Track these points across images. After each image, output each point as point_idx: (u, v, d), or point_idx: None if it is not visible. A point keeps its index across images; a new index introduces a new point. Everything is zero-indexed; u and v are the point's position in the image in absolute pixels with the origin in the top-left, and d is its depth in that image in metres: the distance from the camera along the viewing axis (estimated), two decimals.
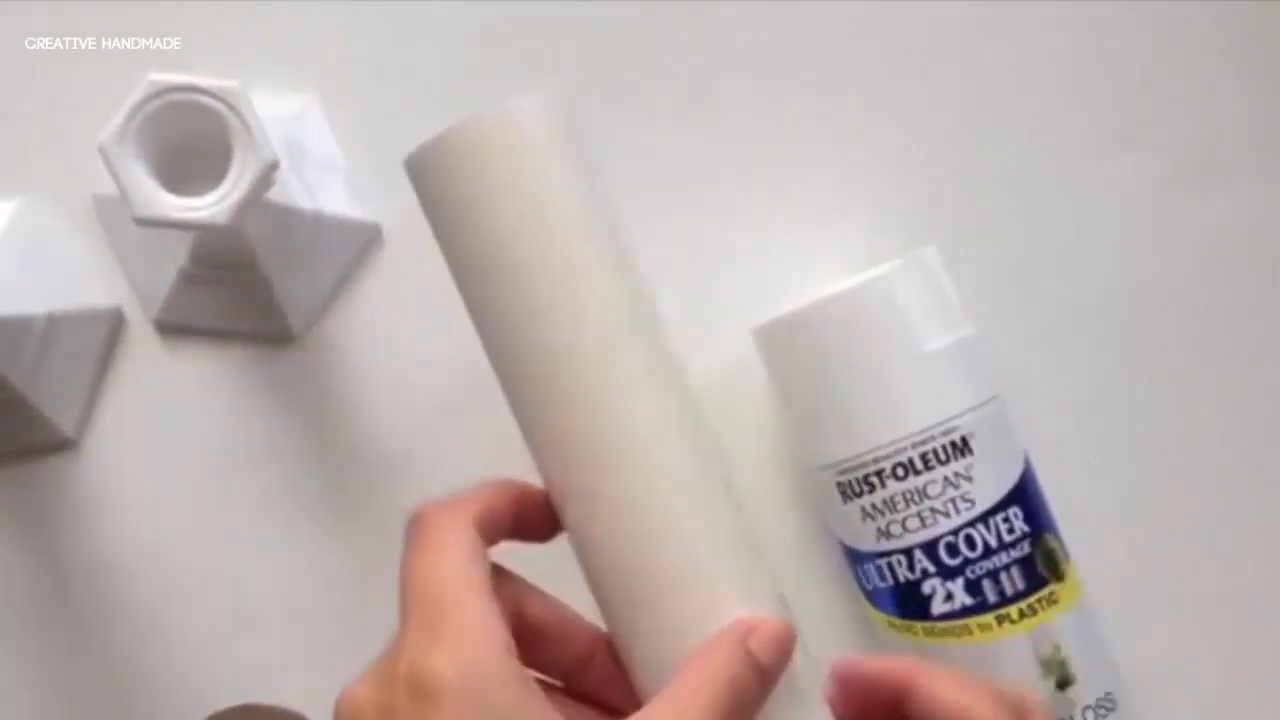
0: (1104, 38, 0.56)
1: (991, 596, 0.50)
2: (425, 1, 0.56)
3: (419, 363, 0.56)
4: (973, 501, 0.50)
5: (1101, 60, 0.57)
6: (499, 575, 0.41)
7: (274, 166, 0.46)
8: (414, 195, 0.56)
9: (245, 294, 0.55)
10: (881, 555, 0.51)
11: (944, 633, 0.50)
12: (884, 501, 0.50)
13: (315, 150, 0.55)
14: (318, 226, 0.54)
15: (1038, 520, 0.51)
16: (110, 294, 0.56)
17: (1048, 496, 0.52)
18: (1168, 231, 0.57)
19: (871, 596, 0.52)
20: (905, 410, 0.50)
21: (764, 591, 0.41)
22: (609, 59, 0.56)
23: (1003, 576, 0.50)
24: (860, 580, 0.53)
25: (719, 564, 0.40)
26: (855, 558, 0.52)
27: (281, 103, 0.55)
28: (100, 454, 0.56)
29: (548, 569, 0.43)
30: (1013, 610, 0.50)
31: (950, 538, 0.50)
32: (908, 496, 0.50)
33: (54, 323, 0.53)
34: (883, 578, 0.51)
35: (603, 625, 0.42)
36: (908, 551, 0.50)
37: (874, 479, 0.50)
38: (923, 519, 0.50)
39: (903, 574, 0.50)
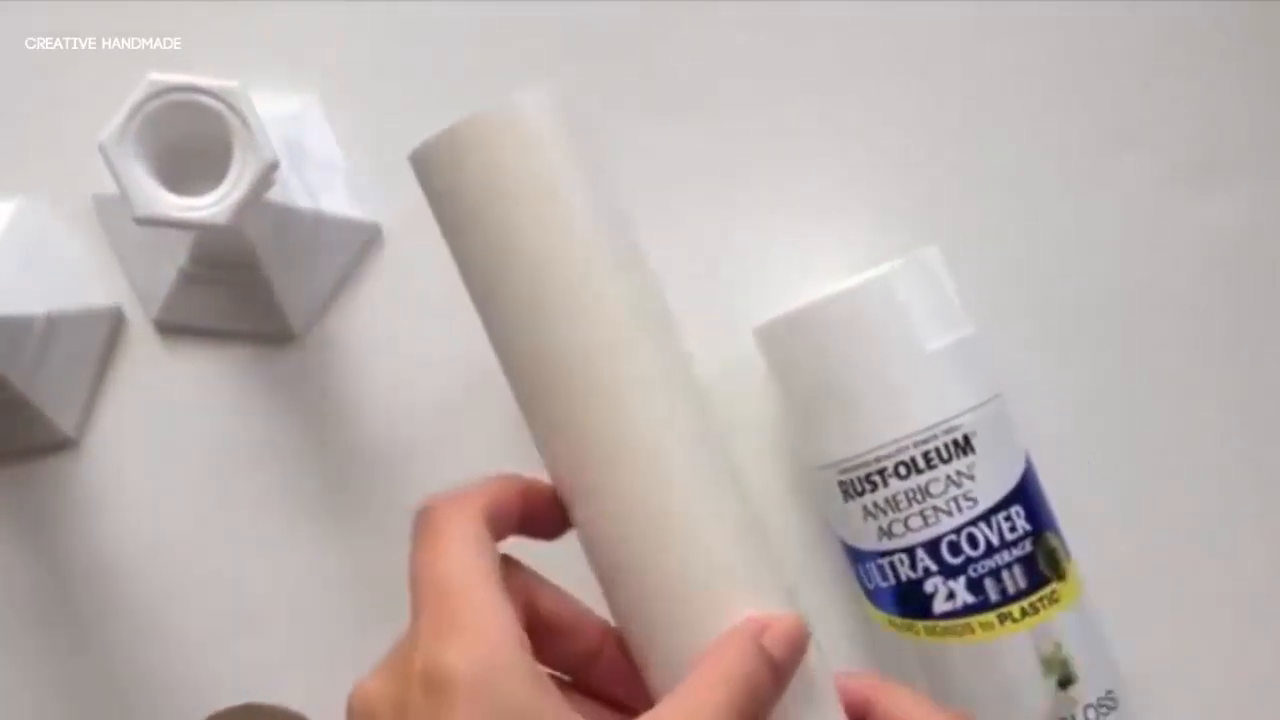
0: (1104, 38, 0.57)
1: (993, 595, 0.50)
2: (425, 1, 0.56)
3: (419, 363, 0.56)
4: (975, 500, 0.50)
5: (1101, 60, 0.57)
6: (509, 567, 0.41)
7: (274, 166, 0.46)
8: (414, 194, 0.56)
9: (245, 294, 0.55)
10: (883, 554, 0.51)
11: (945, 632, 0.50)
12: (886, 500, 0.50)
13: (315, 150, 0.55)
14: (318, 226, 0.54)
15: (1039, 519, 0.51)
16: (110, 294, 0.56)
17: (1048, 496, 0.52)
18: (1168, 231, 0.57)
19: (872, 596, 0.52)
20: (907, 409, 0.50)
21: (776, 587, 0.41)
22: (609, 59, 0.56)
23: (1004, 575, 0.50)
24: (861, 579, 0.53)
25: (731, 561, 0.40)
26: (856, 557, 0.52)
27: (281, 103, 0.55)
28: (100, 454, 0.56)
29: (552, 565, 0.43)
30: (1014, 609, 0.50)
31: (952, 536, 0.50)
32: (910, 495, 0.50)
33: (54, 323, 0.53)
34: (884, 577, 0.51)
35: (611, 621, 0.42)
36: (909, 550, 0.50)
37: (875, 478, 0.50)
38: (925, 518, 0.50)
39: (904, 573, 0.50)
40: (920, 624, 0.51)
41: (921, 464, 0.50)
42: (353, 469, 0.56)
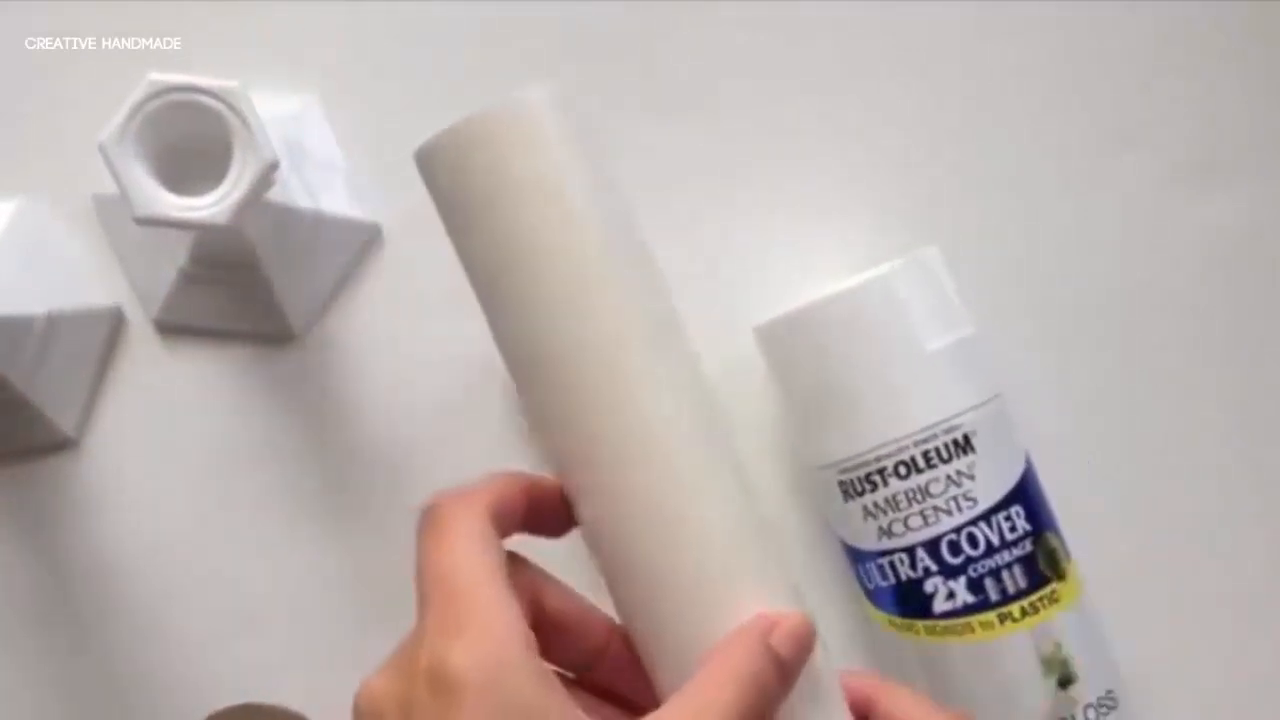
0: (1104, 38, 0.57)
1: (994, 595, 0.50)
2: (425, 1, 0.56)
3: (419, 363, 0.56)
4: (975, 500, 0.50)
5: (1101, 60, 0.57)
6: (515, 565, 0.40)
7: (274, 166, 0.46)
8: (414, 194, 0.56)
9: (245, 294, 0.55)
10: (883, 554, 0.51)
11: (945, 631, 0.50)
12: (886, 500, 0.50)
13: (315, 150, 0.55)
14: (318, 226, 0.54)
15: (1039, 519, 0.51)
16: (110, 294, 0.56)
17: (1048, 496, 0.52)
18: (1168, 231, 0.57)
19: (872, 595, 0.52)
20: (907, 409, 0.50)
21: (783, 585, 0.41)
22: (609, 59, 0.56)
23: (1005, 575, 0.50)
24: (861, 579, 0.53)
25: (739, 559, 0.40)
26: (856, 557, 0.52)
27: (281, 103, 0.55)
28: (100, 454, 0.56)
29: (558, 565, 0.43)
30: (1015, 608, 0.50)
31: (952, 536, 0.50)
32: (910, 495, 0.50)
33: (54, 323, 0.53)
34: (884, 576, 0.51)
35: (617, 618, 0.42)
36: (910, 550, 0.50)
37: (876, 477, 0.50)
38: (925, 517, 0.50)
39: (904, 572, 0.50)
40: (920, 624, 0.51)
41: (921, 464, 0.50)
42: (353, 469, 0.56)
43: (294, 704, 0.54)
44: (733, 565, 0.40)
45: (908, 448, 0.50)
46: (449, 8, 0.56)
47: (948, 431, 0.50)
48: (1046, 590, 0.50)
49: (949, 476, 0.50)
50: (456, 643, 0.36)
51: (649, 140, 0.56)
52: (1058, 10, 0.56)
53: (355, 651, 0.55)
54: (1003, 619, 0.50)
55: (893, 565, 0.51)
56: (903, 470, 0.50)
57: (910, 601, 0.51)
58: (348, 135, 0.56)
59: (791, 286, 0.53)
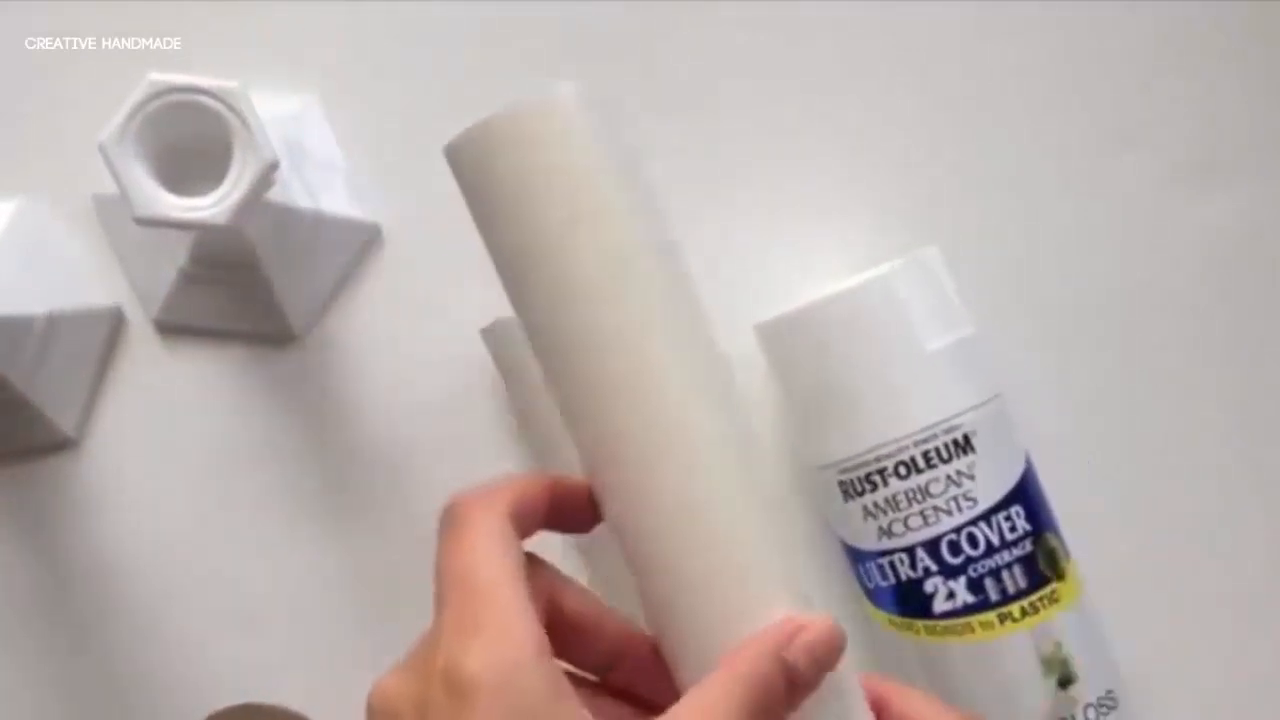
0: (1104, 38, 0.57)
1: (994, 595, 0.50)
2: (425, 1, 0.56)
3: (419, 363, 0.56)
4: (975, 500, 0.50)
5: (1101, 60, 0.57)
6: (534, 566, 0.40)
7: (274, 166, 0.46)
8: (414, 194, 0.56)
9: (245, 294, 0.55)
10: (883, 554, 0.51)
11: (945, 631, 0.50)
12: (886, 500, 0.50)
13: (315, 150, 0.55)
14: (318, 226, 0.54)
15: (1039, 519, 0.51)
16: (110, 294, 0.56)
17: (1048, 496, 0.52)
18: (1168, 231, 0.57)
19: (872, 595, 0.52)
20: (907, 409, 0.50)
21: (809, 589, 0.40)
22: (609, 59, 0.56)
23: (1005, 575, 0.50)
24: (861, 579, 0.53)
25: (763, 562, 0.40)
26: (856, 556, 0.52)
27: (281, 103, 0.55)
28: (100, 454, 0.56)
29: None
30: (1015, 608, 0.50)
31: (953, 536, 0.50)
32: (910, 495, 0.50)
33: (54, 323, 0.53)
34: (884, 576, 0.51)
35: (639, 618, 0.42)
36: (910, 550, 0.50)
37: (876, 477, 0.50)
38: (925, 517, 0.50)
39: (904, 572, 0.50)
40: (920, 623, 0.51)
41: (921, 464, 0.50)
42: (353, 469, 0.56)
43: (294, 704, 0.54)
44: (757, 567, 0.40)
45: (908, 448, 0.50)
46: (449, 8, 0.56)
47: (948, 431, 0.50)
48: (1046, 590, 0.50)
49: (949, 476, 0.50)
50: (473, 643, 0.36)
51: (649, 140, 0.56)
52: (1058, 10, 0.56)
53: (355, 651, 0.55)
54: (1003, 619, 0.50)
55: (893, 565, 0.51)
56: (903, 470, 0.50)
57: (910, 601, 0.51)
58: (348, 135, 0.56)
59: (792, 286, 0.53)
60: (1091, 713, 0.50)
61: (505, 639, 0.36)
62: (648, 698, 0.42)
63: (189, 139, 0.47)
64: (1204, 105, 0.57)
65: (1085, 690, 0.50)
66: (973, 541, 0.50)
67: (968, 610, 0.50)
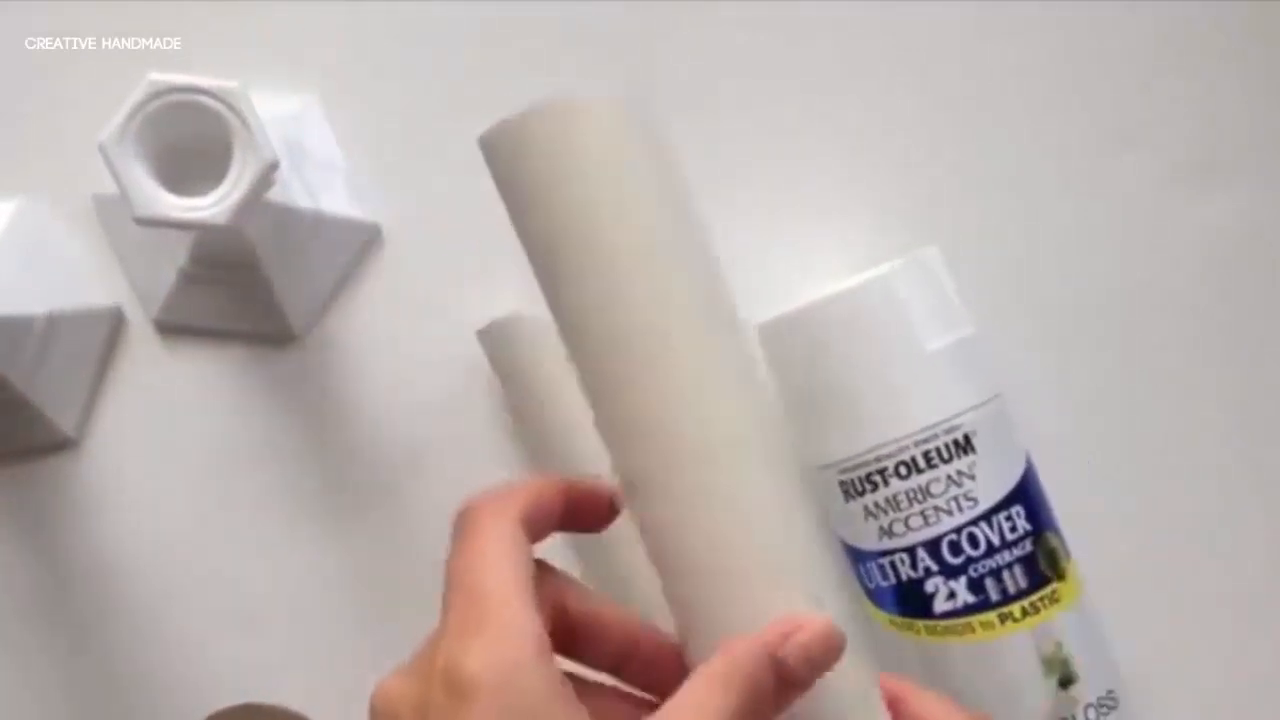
0: (1104, 38, 0.57)
1: (994, 595, 0.50)
2: (425, 1, 0.56)
3: (419, 363, 0.56)
4: (975, 500, 0.50)
5: (1101, 60, 0.57)
6: (542, 572, 0.40)
7: (274, 166, 0.46)
8: (415, 194, 0.56)
9: (245, 294, 0.55)
10: (884, 554, 0.51)
11: (946, 631, 0.50)
12: (886, 500, 0.50)
13: (315, 150, 0.55)
14: (318, 226, 0.54)
15: (1039, 519, 0.51)
16: (110, 294, 0.56)
17: (1048, 496, 0.52)
18: (1168, 231, 0.57)
19: (873, 595, 0.52)
20: (907, 409, 0.50)
21: (822, 590, 0.40)
22: (609, 59, 0.56)
23: (1005, 575, 0.50)
24: (862, 579, 0.53)
25: (779, 560, 0.40)
26: (857, 556, 0.52)
27: (281, 103, 0.55)
28: (100, 454, 0.56)
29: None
30: (1015, 608, 0.50)
31: (953, 536, 0.50)
32: (910, 495, 0.50)
33: (54, 323, 0.53)
34: (885, 576, 0.51)
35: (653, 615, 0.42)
36: (910, 550, 0.50)
37: (876, 477, 0.50)
38: (925, 517, 0.50)
39: (905, 572, 0.51)
40: (921, 623, 0.51)
41: (922, 464, 0.50)
42: (353, 469, 0.56)
43: (294, 704, 0.54)
44: (769, 566, 0.39)
45: (908, 448, 0.50)
46: (449, 8, 0.56)
47: (948, 431, 0.50)
48: (1047, 590, 0.50)
49: (949, 476, 0.50)
50: (473, 644, 0.36)
51: None
52: (1058, 10, 0.56)
53: (355, 651, 0.55)
54: (1003, 619, 0.50)
55: (893, 565, 0.51)
56: (903, 470, 0.50)
57: (911, 601, 0.51)
58: (348, 135, 0.56)
59: (792, 286, 0.53)
60: (1092, 712, 0.50)
61: (505, 640, 0.36)
62: (661, 694, 0.42)
63: (189, 139, 0.47)
64: (1204, 105, 0.57)
65: (1086, 690, 0.50)
66: (973, 541, 0.50)
67: (968, 610, 0.50)
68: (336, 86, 0.56)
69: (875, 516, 0.51)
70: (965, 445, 0.50)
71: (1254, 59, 0.57)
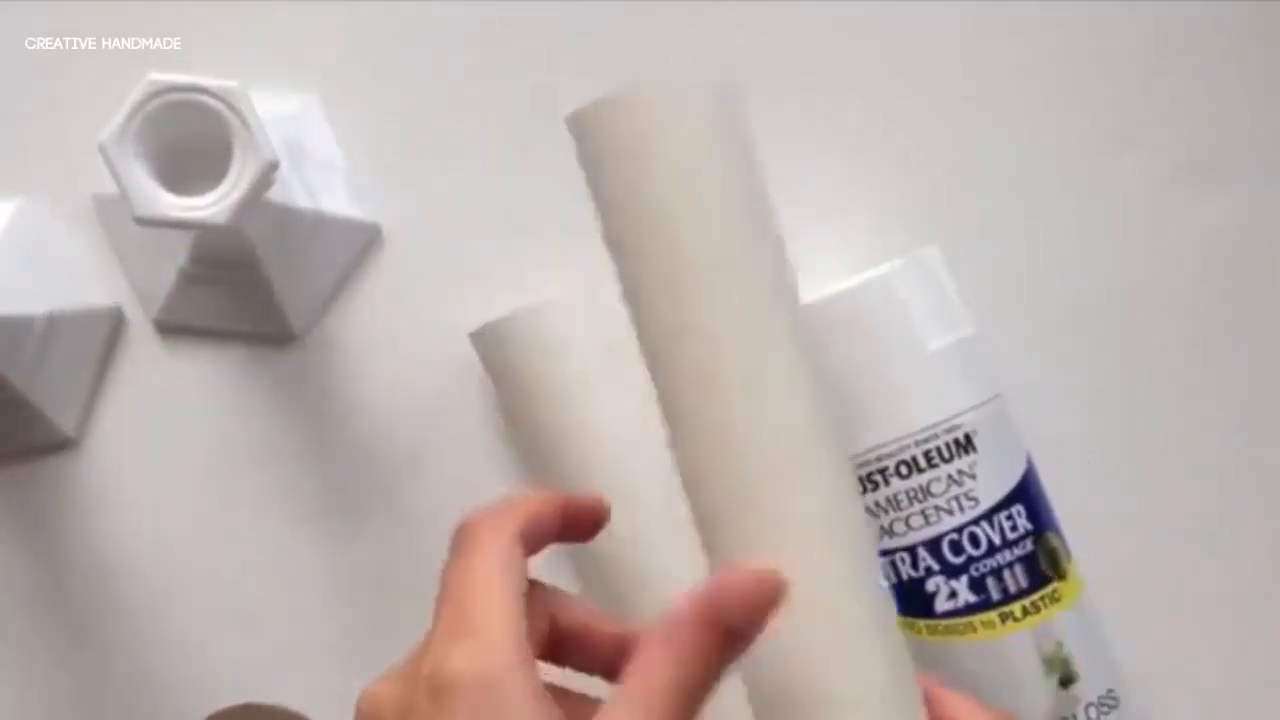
0: (1104, 38, 0.57)
1: (995, 594, 0.50)
2: (425, 1, 0.56)
3: (419, 363, 0.56)
4: (976, 499, 0.50)
5: (1101, 60, 0.57)
6: (535, 589, 0.41)
7: (274, 166, 0.46)
8: (415, 194, 0.56)
9: (245, 294, 0.55)
10: (885, 553, 0.51)
11: (947, 630, 0.50)
12: (887, 499, 0.50)
13: (315, 150, 0.55)
14: (318, 226, 0.54)
15: (1040, 518, 0.51)
16: (110, 294, 0.56)
17: (1049, 495, 0.52)
18: (1168, 231, 0.57)
19: None
20: (908, 408, 0.50)
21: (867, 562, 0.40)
22: (609, 59, 0.56)
23: (1006, 574, 0.50)
24: None
25: (843, 567, 0.39)
26: None
27: (281, 103, 0.55)
28: (100, 454, 0.56)
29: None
30: (1016, 608, 0.50)
31: (954, 535, 0.50)
32: (911, 494, 0.50)
33: (54, 323, 0.53)
34: (886, 576, 0.51)
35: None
36: (911, 549, 0.50)
37: (877, 477, 0.50)
38: (926, 517, 0.50)
39: (906, 572, 0.51)
40: (922, 623, 0.51)
41: (923, 463, 0.50)
42: (353, 469, 0.56)
43: (294, 704, 0.54)
44: (834, 570, 0.39)
45: (909, 447, 0.50)
46: (449, 8, 0.56)
47: (949, 431, 0.50)
48: (1048, 589, 0.50)
49: (950, 476, 0.50)
50: (456, 649, 0.37)
51: None
52: (1058, 10, 0.56)
53: (355, 651, 0.55)
54: (1004, 618, 0.50)
55: (894, 564, 0.51)
56: (904, 470, 0.50)
57: (912, 601, 0.51)
58: (348, 135, 0.56)
59: None
60: (1093, 712, 0.50)
61: (489, 651, 0.37)
62: None
63: (189, 139, 0.47)
64: (1204, 105, 0.57)
65: (1086, 689, 0.50)
66: (974, 541, 0.50)
67: (969, 610, 0.50)
68: (336, 86, 0.56)
69: (876, 516, 0.51)
70: (966, 445, 0.50)
71: (1254, 59, 0.57)
